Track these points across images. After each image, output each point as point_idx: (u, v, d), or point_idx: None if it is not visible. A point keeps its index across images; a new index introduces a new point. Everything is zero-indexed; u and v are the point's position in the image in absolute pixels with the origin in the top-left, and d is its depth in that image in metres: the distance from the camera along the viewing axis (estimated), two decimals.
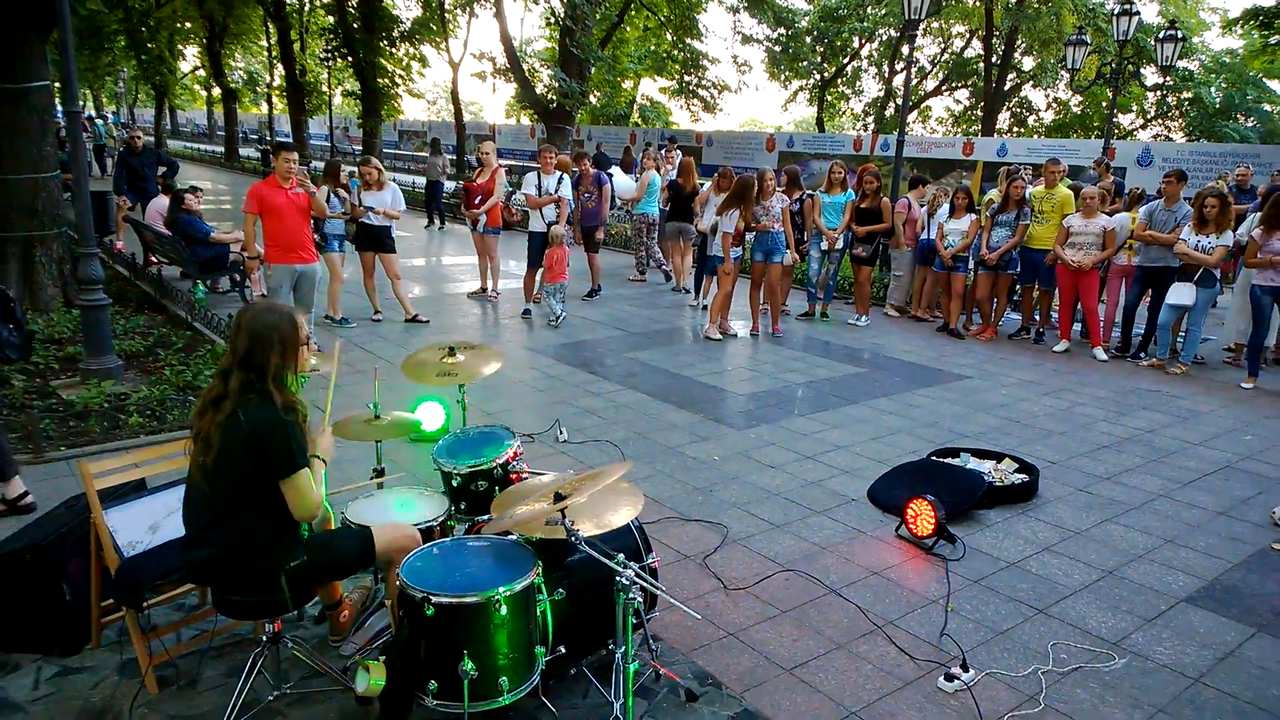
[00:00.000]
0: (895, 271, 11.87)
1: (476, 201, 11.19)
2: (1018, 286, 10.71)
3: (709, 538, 5.04)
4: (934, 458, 6.16)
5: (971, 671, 3.75)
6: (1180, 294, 8.87)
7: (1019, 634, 4.13)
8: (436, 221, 20.07)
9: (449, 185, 21.51)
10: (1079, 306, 10.00)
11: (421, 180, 21.07)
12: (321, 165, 10.38)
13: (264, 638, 3.38)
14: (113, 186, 14.50)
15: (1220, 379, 8.96)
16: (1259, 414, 7.84)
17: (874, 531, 5.21)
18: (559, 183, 10.73)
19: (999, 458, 6.15)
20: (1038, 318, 10.55)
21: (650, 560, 3.74)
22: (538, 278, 10.73)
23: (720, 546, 4.92)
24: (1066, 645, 4.04)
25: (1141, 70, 28.52)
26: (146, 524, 3.77)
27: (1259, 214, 8.93)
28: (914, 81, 38.99)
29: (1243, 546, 5.15)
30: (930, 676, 3.78)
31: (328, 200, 9.20)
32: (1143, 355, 9.58)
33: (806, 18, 38.06)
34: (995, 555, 4.94)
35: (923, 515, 4.98)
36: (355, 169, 9.94)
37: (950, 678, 3.71)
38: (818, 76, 41.96)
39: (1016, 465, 6.04)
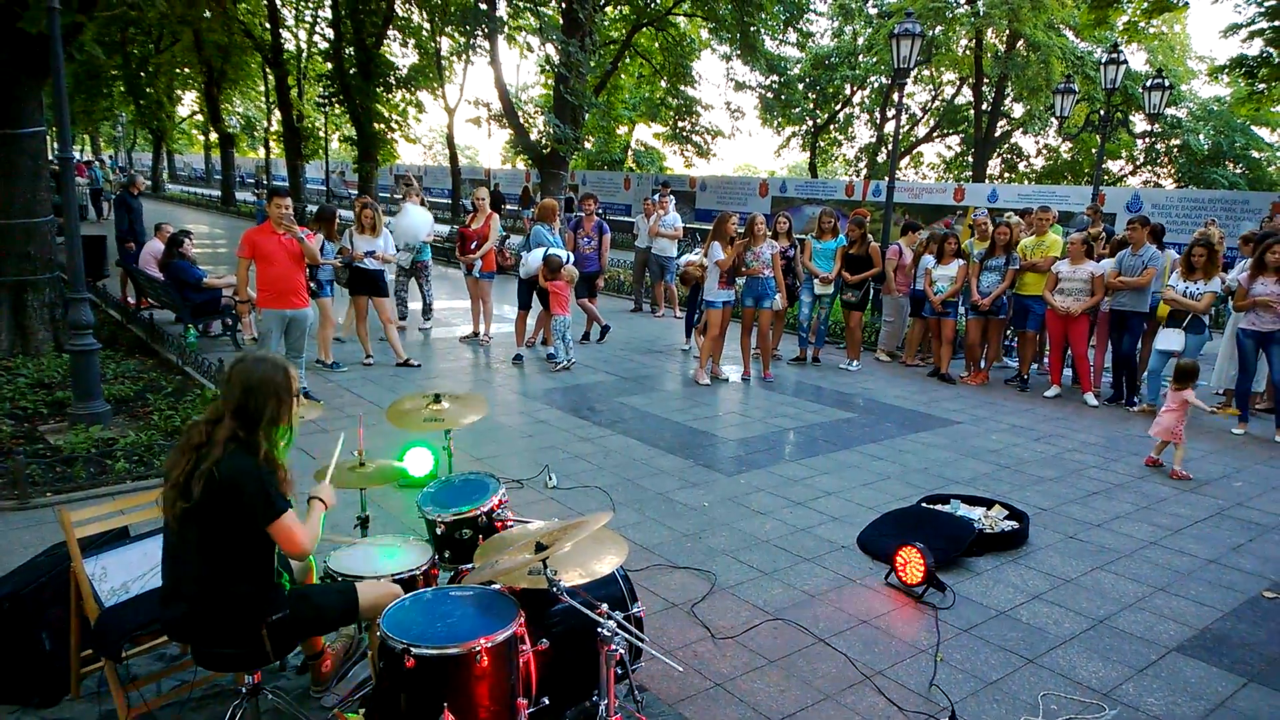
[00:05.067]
0: (886, 317, 11.91)
1: (472, 246, 11.25)
2: (1011, 332, 10.76)
3: (697, 585, 5.00)
4: (924, 504, 6.14)
5: None
6: (1169, 340, 8.89)
7: (1008, 684, 4.09)
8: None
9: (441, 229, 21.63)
10: (1069, 352, 10.04)
11: None
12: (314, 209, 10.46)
13: (244, 689, 3.34)
14: (115, 232, 14.52)
15: (1210, 424, 8.96)
16: (1249, 460, 7.84)
17: (863, 579, 5.18)
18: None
19: (989, 504, 6.13)
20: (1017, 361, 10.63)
21: (635, 609, 3.71)
22: (530, 320, 10.73)
23: (708, 595, 4.89)
24: (1056, 696, 4.00)
25: (1130, 117, 28.81)
26: (127, 573, 3.74)
27: (1250, 260, 8.97)
28: (905, 128, 39.54)
29: (1234, 595, 5.12)
30: None
31: (321, 248, 9.20)
32: (1135, 400, 9.60)
33: (799, 65, 38.50)
34: (985, 603, 4.91)
35: (912, 563, 4.95)
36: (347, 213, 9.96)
37: None
38: (810, 123, 42.44)
39: (1007, 512, 6.02)
